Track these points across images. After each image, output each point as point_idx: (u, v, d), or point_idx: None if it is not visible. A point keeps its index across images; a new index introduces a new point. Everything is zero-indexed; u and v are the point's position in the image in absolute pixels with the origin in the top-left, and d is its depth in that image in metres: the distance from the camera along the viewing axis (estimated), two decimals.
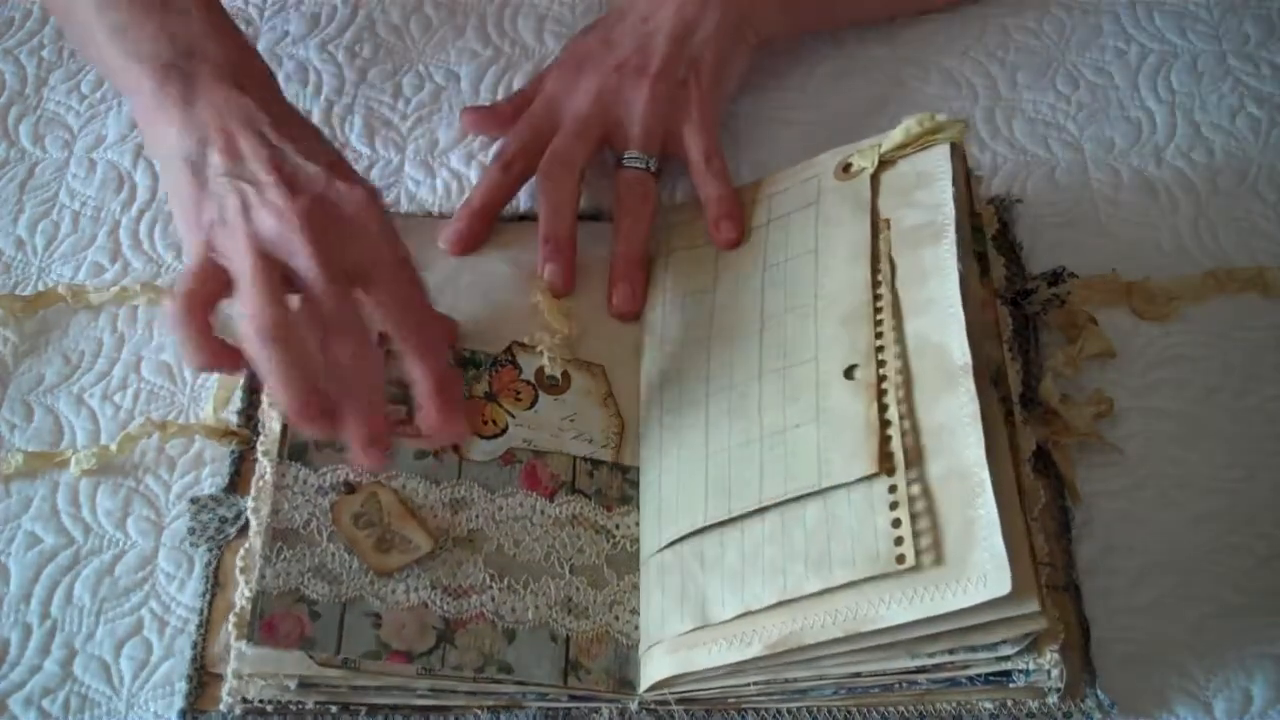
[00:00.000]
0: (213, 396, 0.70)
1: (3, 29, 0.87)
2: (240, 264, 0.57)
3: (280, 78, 0.67)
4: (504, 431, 0.66)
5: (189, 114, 0.60)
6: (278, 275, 0.57)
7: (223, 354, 0.58)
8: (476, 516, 0.63)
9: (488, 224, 0.73)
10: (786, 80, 0.83)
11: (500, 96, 0.83)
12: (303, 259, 0.56)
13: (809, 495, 0.58)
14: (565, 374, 0.69)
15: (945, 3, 0.85)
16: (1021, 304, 0.71)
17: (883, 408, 0.59)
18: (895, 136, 0.67)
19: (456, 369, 0.67)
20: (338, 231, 0.58)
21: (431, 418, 0.59)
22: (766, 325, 0.66)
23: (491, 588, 0.61)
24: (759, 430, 0.62)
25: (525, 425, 0.67)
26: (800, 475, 0.59)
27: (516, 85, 0.83)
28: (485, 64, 0.84)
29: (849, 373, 0.60)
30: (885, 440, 0.58)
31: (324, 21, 0.86)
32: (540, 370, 0.68)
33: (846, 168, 0.68)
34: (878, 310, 0.62)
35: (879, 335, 0.61)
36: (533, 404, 0.68)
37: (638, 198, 0.73)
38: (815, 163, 0.70)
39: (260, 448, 0.64)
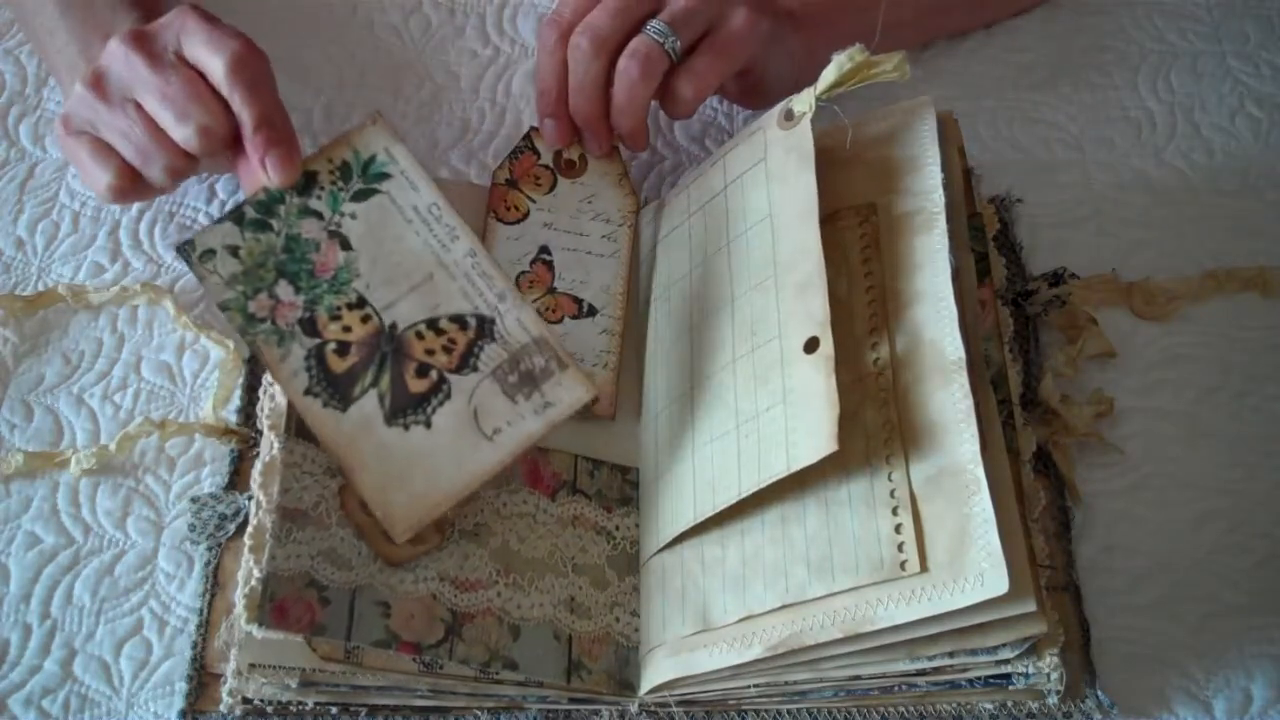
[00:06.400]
0: (212, 395, 0.70)
1: (3, 29, 0.87)
2: None
3: (280, 77, 0.67)
4: (526, 216, 0.71)
5: None
6: None
7: None
8: (482, 510, 0.63)
9: (565, 104, 0.70)
10: None
11: (500, 96, 0.83)
12: None
13: (809, 496, 0.58)
14: (581, 156, 0.72)
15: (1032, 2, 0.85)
16: (1022, 305, 0.71)
17: (877, 404, 0.58)
18: (827, 75, 0.63)
19: (281, 107, 0.67)
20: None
21: (260, 149, 0.63)
22: (736, 305, 0.64)
23: (498, 583, 0.61)
24: (735, 419, 0.61)
25: (546, 209, 0.71)
26: (771, 462, 0.58)
27: (516, 85, 0.83)
28: (485, 64, 0.84)
29: (809, 346, 0.59)
30: (882, 439, 0.57)
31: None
32: (558, 154, 0.72)
33: (788, 115, 0.65)
34: (869, 304, 0.61)
35: (872, 331, 0.60)
36: (551, 188, 0.72)
37: (641, 69, 0.67)
38: (761, 116, 0.67)
39: (266, 422, 0.62)
